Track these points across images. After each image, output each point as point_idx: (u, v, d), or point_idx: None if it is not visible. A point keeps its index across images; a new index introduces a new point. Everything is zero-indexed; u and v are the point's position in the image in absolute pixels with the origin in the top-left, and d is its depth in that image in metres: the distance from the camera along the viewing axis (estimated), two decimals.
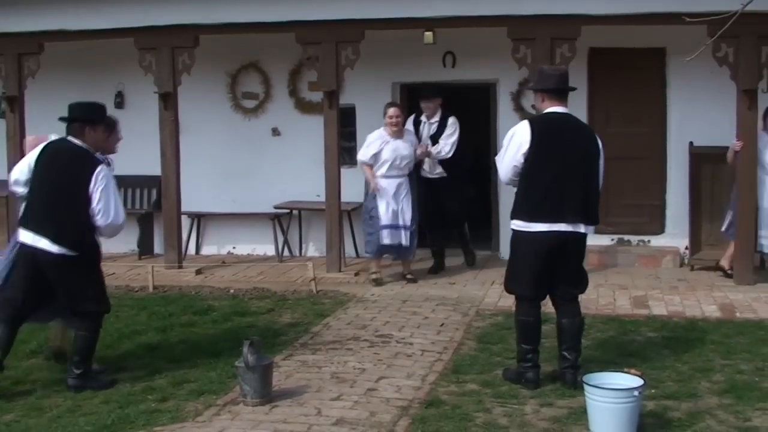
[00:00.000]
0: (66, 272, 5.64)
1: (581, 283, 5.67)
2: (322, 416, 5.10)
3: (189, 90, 9.93)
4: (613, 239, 10.06)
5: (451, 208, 9.31)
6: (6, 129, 10.35)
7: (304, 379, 5.80)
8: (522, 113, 10.01)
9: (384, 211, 8.76)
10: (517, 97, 10.12)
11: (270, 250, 10.64)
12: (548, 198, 5.39)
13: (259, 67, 10.88)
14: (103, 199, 5.53)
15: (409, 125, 9.29)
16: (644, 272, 9.32)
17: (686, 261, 9.59)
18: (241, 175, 10.66)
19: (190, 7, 9.42)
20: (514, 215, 5.53)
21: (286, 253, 10.60)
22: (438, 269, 9.51)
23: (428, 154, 9.15)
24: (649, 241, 10.05)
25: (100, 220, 5.54)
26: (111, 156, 6.14)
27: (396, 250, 8.94)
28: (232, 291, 8.74)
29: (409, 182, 8.93)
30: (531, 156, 5.41)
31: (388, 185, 8.80)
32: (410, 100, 10.87)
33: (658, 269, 9.47)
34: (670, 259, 9.65)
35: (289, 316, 7.64)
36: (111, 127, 6.06)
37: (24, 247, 5.67)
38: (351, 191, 9.72)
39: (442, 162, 9.24)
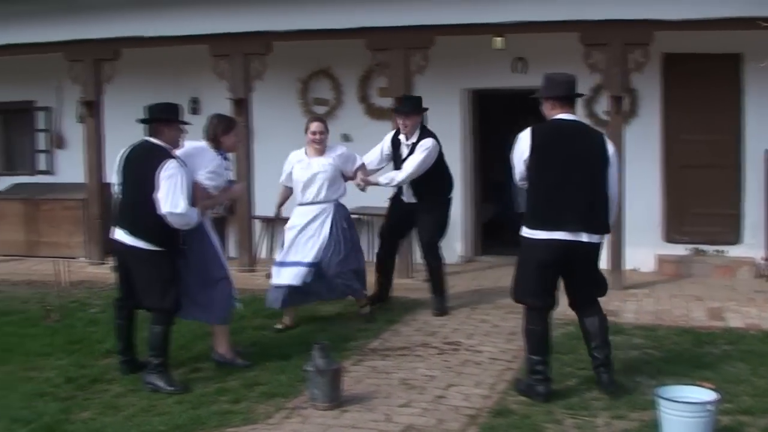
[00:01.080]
0: (138, 264, 5.92)
1: (598, 287, 5.62)
2: (391, 422, 5.11)
3: (261, 95, 10.08)
4: (688, 249, 9.86)
5: (422, 238, 8.04)
6: (84, 133, 10.65)
7: (373, 384, 5.83)
8: (595, 119, 9.90)
9: (285, 245, 7.40)
10: (589, 103, 10.00)
11: None
12: (548, 206, 5.36)
13: (330, 73, 10.98)
14: (164, 188, 5.71)
15: (386, 143, 8.06)
16: (720, 283, 9.11)
17: (764, 272, 9.35)
18: None
19: (264, 14, 9.57)
20: (522, 222, 5.50)
21: None
22: (380, 299, 8.11)
23: (367, 182, 7.74)
24: (725, 251, 9.82)
25: (161, 208, 5.71)
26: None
27: (300, 292, 7.29)
28: None
29: (334, 212, 7.38)
30: (531, 163, 5.41)
31: (301, 215, 7.42)
32: (480, 107, 10.86)
33: (735, 280, 9.26)
34: (747, 270, 9.42)
35: (359, 321, 7.68)
36: (230, 127, 6.40)
37: (112, 241, 6.07)
38: None
39: (417, 188, 7.90)
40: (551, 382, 5.51)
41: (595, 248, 5.48)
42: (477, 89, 10.63)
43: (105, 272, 10.10)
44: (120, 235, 5.96)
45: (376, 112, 10.77)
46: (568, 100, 5.53)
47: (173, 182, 5.71)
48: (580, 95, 5.74)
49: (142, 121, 6.03)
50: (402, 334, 7.17)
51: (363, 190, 7.83)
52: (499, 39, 9.54)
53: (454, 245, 10.56)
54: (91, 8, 10.12)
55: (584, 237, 5.35)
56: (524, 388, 5.54)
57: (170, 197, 5.71)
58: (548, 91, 5.54)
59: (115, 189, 6.13)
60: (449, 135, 10.43)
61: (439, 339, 6.99)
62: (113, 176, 6.14)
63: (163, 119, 5.97)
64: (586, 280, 5.54)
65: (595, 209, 5.39)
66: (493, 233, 11.41)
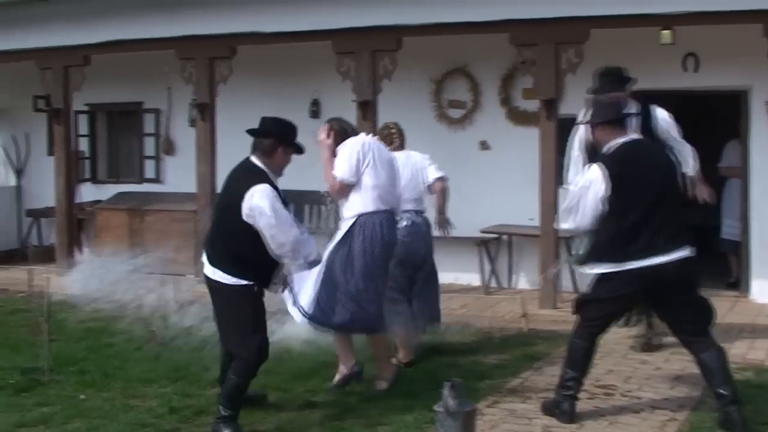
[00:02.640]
0: (216, 299, 5.86)
1: (705, 314, 5.73)
2: None
3: (389, 97, 10.16)
4: None
5: None
6: (196, 138, 10.98)
7: (510, 430, 5.77)
8: None
9: None
10: None
11: (475, 279, 10.66)
12: (641, 233, 5.61)
13: (468, 72, 10.99)
14: (266, 230, 5.61)
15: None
16: None
17: None
18: None
19: (394, 6, 9.68)
20: (600, 257, 5.72)
21: (493, 283, 10.60)
22: None
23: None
24: None
25: (273, 250, 5.68)
26: None
27: None
28: None
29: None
30: (613, 197, 5.67)
31: None
32: (643, 110, 10.60)
33: None
34: None
35: (496, 357, 7.62)
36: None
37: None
38: None
39: None
40: (576, 402, 5.89)
41: (689, 266, 5.64)
42: (640, 90, 10.36)
43: None
44: (205, 266, 5.90)
45: (519, 117, 10.71)
46: (623, 121, 6.01)
47: (268, 219, 5.58)
48: (629, 115, 6.35)
49: (251, 132, 5.95)
50: (545, 374, 7.05)
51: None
52: (666, 32, 9.31)
53: None
54: (205, 2, 10.47)
55: (675, 255, 5.59)
56: (549, 406, 5.98)
57: (280, 235, 5.62)
58: (602, 116, 5.93)
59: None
60: None
61: (591, 381, 6.81)
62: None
63: (278, 137, 5.86)
64: (686, 308, 5.70)
65: (680, 222, 5.70)
66: None
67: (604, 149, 5.90)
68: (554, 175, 9.24)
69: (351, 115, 9.86)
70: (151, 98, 12.74)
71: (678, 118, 10.92)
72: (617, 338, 8.15)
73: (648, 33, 9.35)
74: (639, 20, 8.92)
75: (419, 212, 7.55)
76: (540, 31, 9.16)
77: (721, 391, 5.55)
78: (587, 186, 5.74)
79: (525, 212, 10.09)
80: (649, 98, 10.41)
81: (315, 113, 11.40)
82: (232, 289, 5.69)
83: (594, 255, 5.79)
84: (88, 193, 13.22)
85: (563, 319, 8.82)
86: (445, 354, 7.69)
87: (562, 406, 5.85)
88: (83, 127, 13.28)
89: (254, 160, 5.86)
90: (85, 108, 13.05)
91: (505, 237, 10.57)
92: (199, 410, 6.24)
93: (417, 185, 7.61)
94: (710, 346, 5.68)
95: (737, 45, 9.24)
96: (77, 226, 12.54)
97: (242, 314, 5.69)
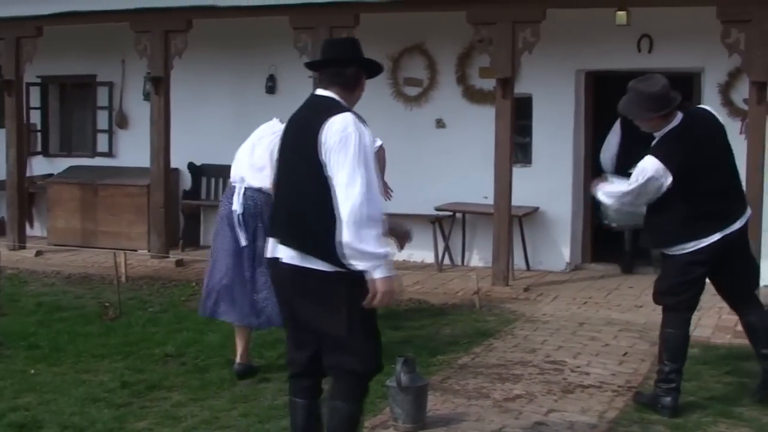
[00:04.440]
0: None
1: (756, 274, 5.93)
2: None
3: None
4: None
5: None
6: (150, 112, 10.91)
7: (462, 405, 5.84)
8: (731, 108, 9.68)
9: None
10: (725, 90, 9.77)
11: (428, 256, 10.73)
12: (714, 208, 5.59)
13: (424, 50, 11.00)
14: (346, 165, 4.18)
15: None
16: None
17: None
18: (400, 171, 10.67)
19: None
20: (675, 241, 5.60)
21: (446, 261, 10.67)
22: None
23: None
24: None
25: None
26: None
27: None
28: None
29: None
30: (680, 179, 5.52)
31: None
32: (597, 91, 10.73)
33: None
34: None
35: (448, 333, 7.70)
36: None
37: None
38: (523, 193, 9.68)
39: None
40: (679, 395, 5.64)
41: (746, 230, 5.75)
42: (594, 71, 10.50)
43: (168, 266, 10.38)
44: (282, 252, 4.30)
45: (475, 95, 10.74)
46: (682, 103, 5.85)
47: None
48: (684, 102, 5.95)
49: (319, 64, 4.48)
50: (497, 350, 7.16)
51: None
52: (622, 13, 9.42)
53: (561, 250, 10.48)
54: None
55: (739, 222, 5.66)
56: (648, 400, 5.71)
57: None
58: (654, 111, 5.69)
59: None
60: (560, 123, 10.36)
61: (541, 357, 6.96)
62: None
63: (362, 63, 4.52)
64: (745, 270, 5.78)
65: (733, 192, 5.74)
66: (606, 238, 11.26)
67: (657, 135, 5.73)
68: (509, 153, 9.33)
69: (307, 91, 9.88)
70: (104, 71, 12.60)
71: None
72: (566, 315, 8.31)
73: (603, 14, 9.44)
74: (595, 0, 8.99)
75: None
76: (497, 9, 9.19)
77: (765, 352, 5.68)
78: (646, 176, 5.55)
79: (479, 190, 10.19)
80: (603, 79, 10.61)
81: (271, 89, 11.34)
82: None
83: (666, 239, 5.70)
84: (39, 166, 13.07)
85: (515, 296, 8.99)
86: (398, 330, 7.75)
87: (664, 401, 5.57)
88: (35, 99, 13.11)
89: (325, 92, 4.37)
90: (37, 80, 12.88)
91: (459, 215, 10.64)
92: (151, 385, 6.25)
93: None
94: (758, 307, 5.80)
95: (691, 27, 9.35)
96: (28, 199, 12.44)
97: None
